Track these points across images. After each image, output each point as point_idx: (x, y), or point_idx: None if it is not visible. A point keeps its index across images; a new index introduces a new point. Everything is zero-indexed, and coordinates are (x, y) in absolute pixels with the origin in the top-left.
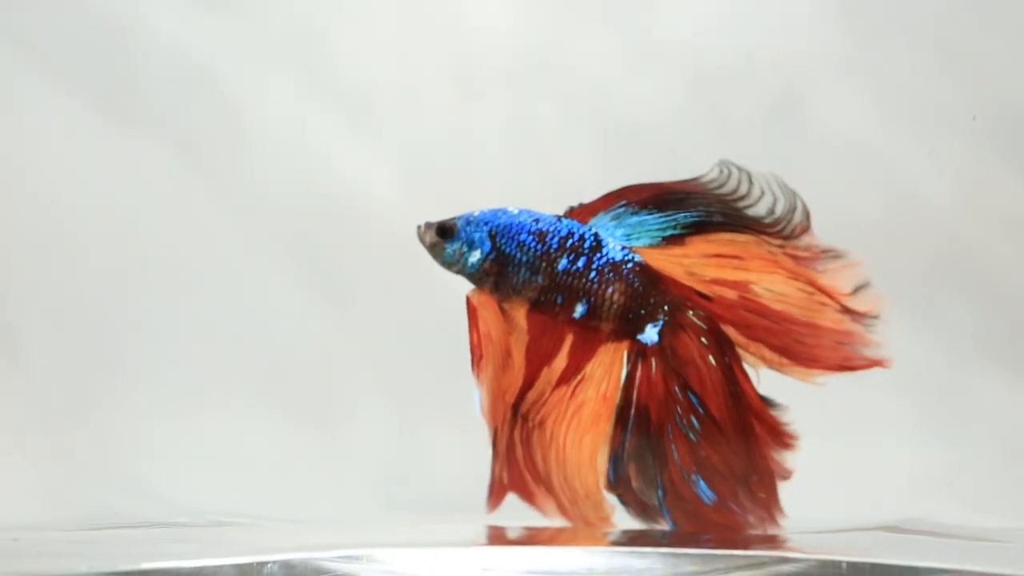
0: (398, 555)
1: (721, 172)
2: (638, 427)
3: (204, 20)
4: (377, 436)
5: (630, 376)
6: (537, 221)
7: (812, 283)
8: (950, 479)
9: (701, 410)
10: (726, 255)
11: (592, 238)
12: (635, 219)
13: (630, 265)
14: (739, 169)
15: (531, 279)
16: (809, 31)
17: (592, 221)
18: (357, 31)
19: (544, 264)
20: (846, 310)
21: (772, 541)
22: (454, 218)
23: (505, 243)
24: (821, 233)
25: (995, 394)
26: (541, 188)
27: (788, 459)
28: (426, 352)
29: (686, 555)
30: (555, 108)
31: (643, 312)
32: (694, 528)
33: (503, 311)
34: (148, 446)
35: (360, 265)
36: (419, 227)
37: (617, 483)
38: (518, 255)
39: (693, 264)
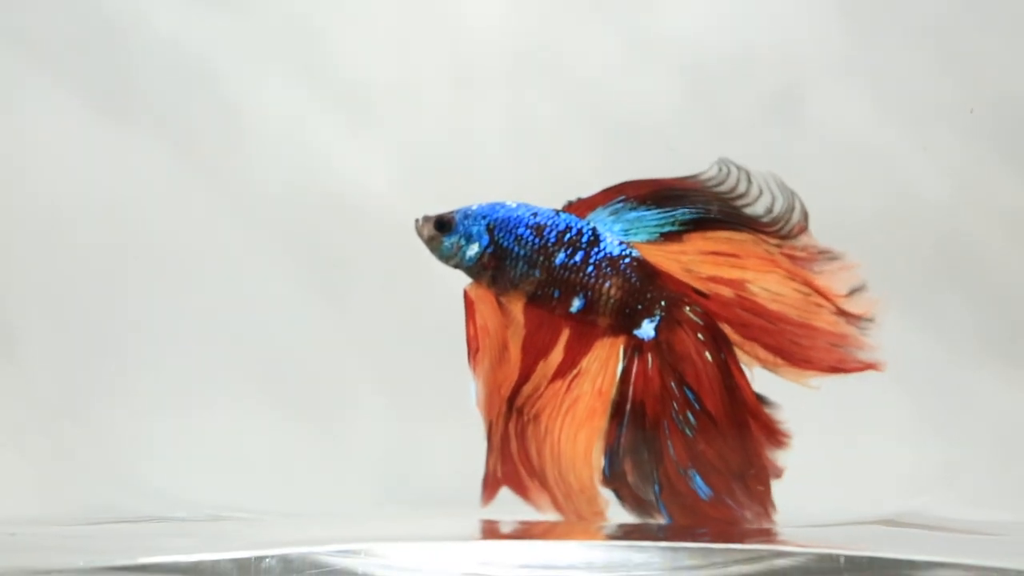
0: (395, 549)
1: (720, 170)
2: (634, 422)
3: (203, 19)
4: (374, 432)
5: (626, 371)
6: (535, 215)
7: (808, 284)
8: (948, 474)
9: (697, 406)
10: (723, 253)
11: (590, 233)
12: (633, 215)
13: (627, 260)
14: (738, 167)
15: (528, 273)
16: (808, 30)
17: (590, 216)
18: (356, 29)
19: (542, 258)
20: (841, 312)
21: (770, 535)
22: (452, 212)
23: (503, 237)
24: (821, 230)
25: (993, 390)
26: (540, 186)
27: (781, 457)
28: (424, 349)
29: (684, 549)
30: (554, 106)
31: (640, 307)
32: (690, 523)
33: (500, 304)
34: (146, 442)
35: (359, 263)
36: (417, 220)
37: (613, 478)
38: (516, 249)
39: (690, 261)
